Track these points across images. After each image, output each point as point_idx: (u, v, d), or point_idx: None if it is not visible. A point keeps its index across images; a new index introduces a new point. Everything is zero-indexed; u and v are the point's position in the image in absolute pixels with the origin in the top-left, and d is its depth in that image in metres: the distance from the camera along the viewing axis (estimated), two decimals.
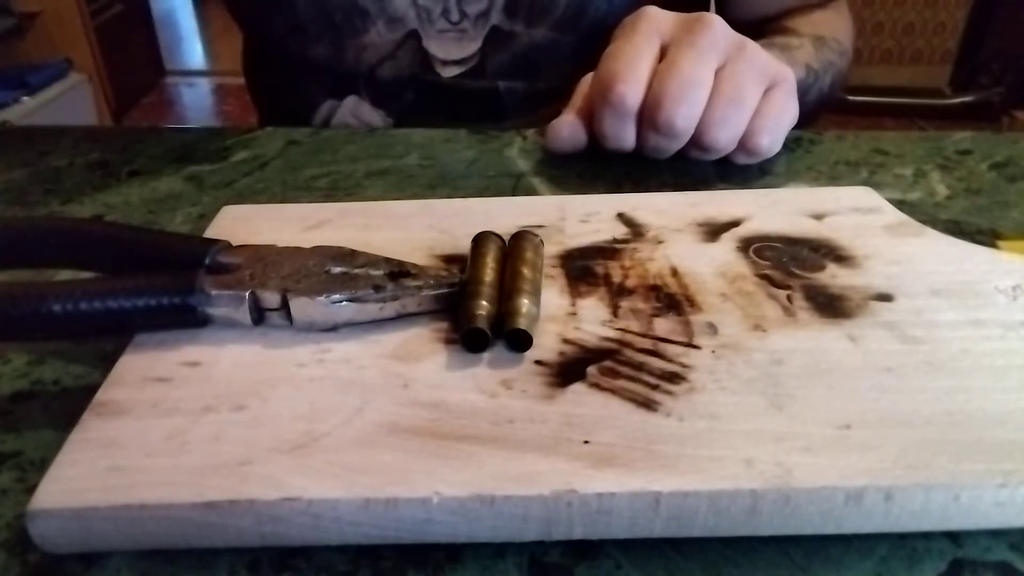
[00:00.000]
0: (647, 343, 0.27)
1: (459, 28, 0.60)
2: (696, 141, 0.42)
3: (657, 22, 0.43)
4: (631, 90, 0.41)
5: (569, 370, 0.26)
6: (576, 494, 0.21)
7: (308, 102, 0.64)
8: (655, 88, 0.41)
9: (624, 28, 0.44)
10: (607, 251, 0.33)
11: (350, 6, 0.58)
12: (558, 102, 0.48)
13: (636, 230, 0.34)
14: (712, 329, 0.28)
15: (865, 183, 0.42)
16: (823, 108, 0.57)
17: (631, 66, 0.41)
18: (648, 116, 0.41)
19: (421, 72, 0.61)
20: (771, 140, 0.42)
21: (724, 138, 0.41)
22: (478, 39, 0.61)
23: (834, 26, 0.59)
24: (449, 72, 0.62)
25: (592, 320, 0.28)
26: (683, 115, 0.40)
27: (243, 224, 0.36)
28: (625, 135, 0.43)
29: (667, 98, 0.40)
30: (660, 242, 0.33)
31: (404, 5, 0.59)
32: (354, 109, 0.63)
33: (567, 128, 0.45)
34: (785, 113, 0.43)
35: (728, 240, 0.33)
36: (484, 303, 0.27)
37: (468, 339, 0.27)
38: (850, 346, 0.27)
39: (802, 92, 0.47)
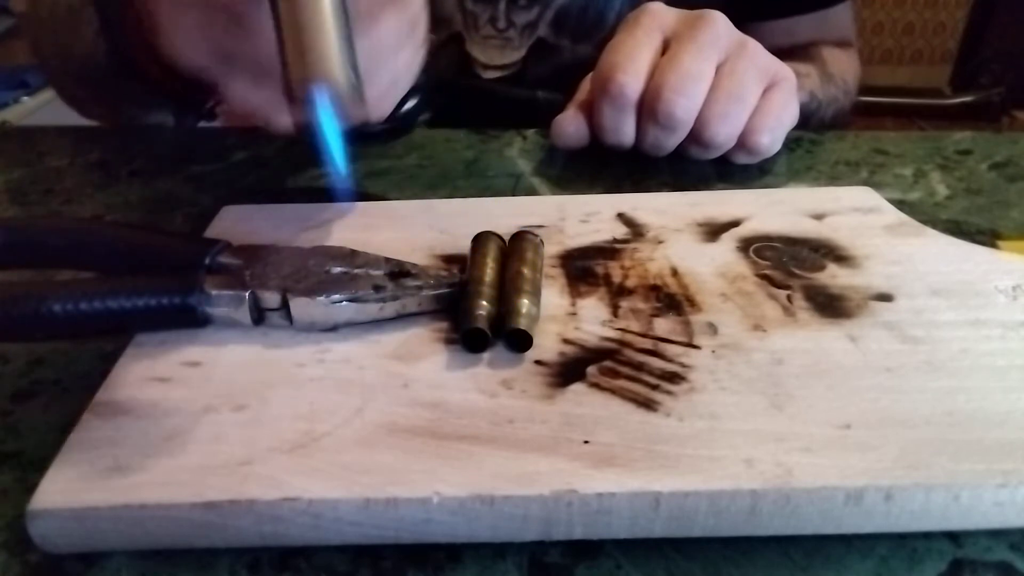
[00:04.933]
0: (647, 343, 0.27)
1: (505, 36, 0.60)
2: (695, 136, 0.42)
3: (659, 17, 0.43)
4: (631, 80, 0.41)
5: (569, 370, 0.26)
6: (576, 494, 0.21)
7: None
8: (655, 79, 0.41)
9: (627, 23, 0.44)
10: (607, 251, 0.33)
11: None
12: None
13: (636, 230, 0.34)
14: (712, 329, 0.28)
15: (865, 183, 0.42)
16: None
17: (631, 58, 0.41)
18: (648, 107, 0.41)
19: (460, 75, 0.61)
20: (771, 139, 0.42)
21: (723, 133, 0.41)
22: (522, 49, 0.60)
23: (843, 67, 0.59)
24: (489, 75, 0.61)
25: (592, 320, 0.28)
26: (683, 106, 0.40)
27: (243, 224, 0.36)
28: (624, 127, 0.43)
29: (667, 89, 0.40)
30: (660, 242, 0.33)
31: (451, 7, 0.59)
32: None
33: (572, 124, 0.45)
34: (785, 112, 0.43)
35: (728, 240, 0.33)
36: (484, 303, 0.27)
37: (468, 339, 0.27)
38: (850, 346, 0.27)
39: (804, 117, 0.47)
